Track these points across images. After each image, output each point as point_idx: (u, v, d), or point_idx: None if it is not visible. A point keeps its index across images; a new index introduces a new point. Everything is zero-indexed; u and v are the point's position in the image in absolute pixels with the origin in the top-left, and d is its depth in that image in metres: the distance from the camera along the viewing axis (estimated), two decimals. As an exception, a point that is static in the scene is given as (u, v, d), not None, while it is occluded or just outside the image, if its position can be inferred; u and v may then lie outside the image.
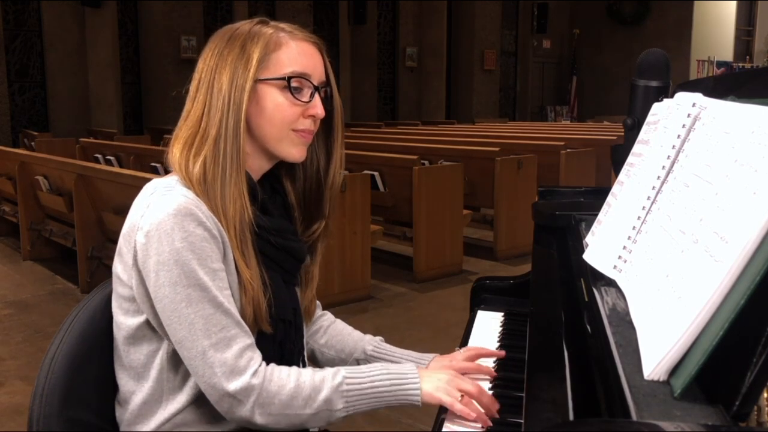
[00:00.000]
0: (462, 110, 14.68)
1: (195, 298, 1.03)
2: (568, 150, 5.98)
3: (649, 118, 1.15)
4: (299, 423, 1.07)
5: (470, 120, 13.27)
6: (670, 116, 0.99)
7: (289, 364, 1.15)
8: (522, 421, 0.94)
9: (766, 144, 0.70)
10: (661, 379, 0.69)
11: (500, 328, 1.44)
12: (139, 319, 1.10)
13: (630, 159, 1.16)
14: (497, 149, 5.50)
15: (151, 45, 10.48)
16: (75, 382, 1.14)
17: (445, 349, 1.30)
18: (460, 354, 1.25)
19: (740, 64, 14.96)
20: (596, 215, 1.20)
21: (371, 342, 1.32)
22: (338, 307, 3.91)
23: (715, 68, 14.49)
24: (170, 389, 1.11)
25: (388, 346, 1.32)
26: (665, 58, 1.42)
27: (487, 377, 1.20)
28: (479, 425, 1.06)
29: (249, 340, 1.07)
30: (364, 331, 1.37)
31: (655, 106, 1.14)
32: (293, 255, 1.20)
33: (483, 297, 1.59)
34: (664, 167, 0.96)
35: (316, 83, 1.14)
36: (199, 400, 1.10)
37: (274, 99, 1.12)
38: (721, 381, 0.64)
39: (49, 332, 3.70)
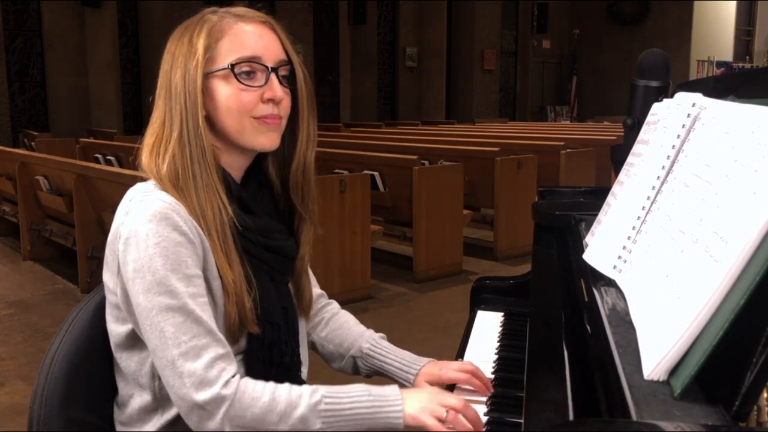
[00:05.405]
0: (462, 110, 14.68)
1: (165, 305, 0.99)
2: (568, 150, 5.98)
3: (649, 118, 1.15)
4: None
5: (470, 120, 13.27)
6: (670, 116, 0.99)
7: (279, 366, 1.13)
8: (522, 421, 0.94)
9: (766, 144, 0.70)
10: (660, 379, 0.69)
11: (500, 328, 1.44)
12: (128, 327, 1.08)
13: (630, 159, 1.16)
14: (497, 149, 5.50)
15: (151, 45, 10.46)
16: (75, 383, 1.13)
17: (445, 349, 1.30)
18: (454, 363, 1.21)
19: (740, 64, 14.96)
20: (596, 215, 1.19)
21: (369, 339, 1.29)
22: (338, 307, 3.90)
23: (715, 68, 14.49)
24: (166, 396, 1.06)
25: (385, 344, 1.29)
26: (665, 58, 1.42)
27: (480, 396, 1.16)
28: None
29: (222, 350, 1.01)
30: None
31: (655, 106, 1.14)
32: (280, 253, 1.16)
33: (483, 297, 1.59)
34: (663, 167, 0.96)
35: (271, 64, 1.09)
36: None
37: (224, 90, 1.08)
38: (721, 381, 0.64)
39: (49, 332, 3.70)
